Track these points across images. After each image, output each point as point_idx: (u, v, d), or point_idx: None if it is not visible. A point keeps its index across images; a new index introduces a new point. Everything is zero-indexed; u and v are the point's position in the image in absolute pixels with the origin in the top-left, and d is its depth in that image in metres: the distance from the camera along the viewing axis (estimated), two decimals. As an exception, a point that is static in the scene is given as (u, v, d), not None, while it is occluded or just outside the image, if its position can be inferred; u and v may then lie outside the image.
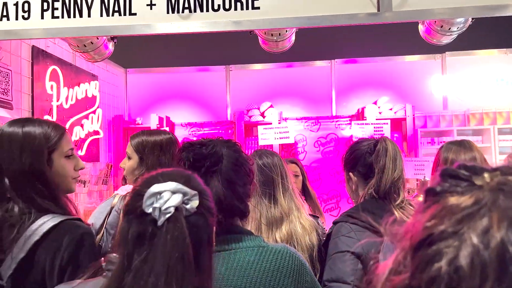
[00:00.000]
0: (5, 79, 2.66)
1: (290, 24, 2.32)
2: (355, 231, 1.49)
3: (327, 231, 1.69)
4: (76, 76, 3.54)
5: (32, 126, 1.28)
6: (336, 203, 4.52)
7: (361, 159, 1.64)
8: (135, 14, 2.40)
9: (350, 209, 1.62)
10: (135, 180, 1.72)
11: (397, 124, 4.38)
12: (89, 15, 2.42)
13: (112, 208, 1.68)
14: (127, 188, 1.80)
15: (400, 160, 1.61)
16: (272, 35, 2.42)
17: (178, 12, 2.38)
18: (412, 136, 4.21)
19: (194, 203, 0.84)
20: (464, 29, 2.36)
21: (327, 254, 1.54)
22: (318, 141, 4.54)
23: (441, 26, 2.35)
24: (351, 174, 1.68)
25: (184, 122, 4.67)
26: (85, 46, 2.56)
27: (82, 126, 3.62)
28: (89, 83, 3.74)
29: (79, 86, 3.57)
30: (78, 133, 3.53)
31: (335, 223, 1.61)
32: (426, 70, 4.56)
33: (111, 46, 2.77)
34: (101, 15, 2.42)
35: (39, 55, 3.07)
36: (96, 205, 3.68)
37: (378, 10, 2.28)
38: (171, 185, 0.86)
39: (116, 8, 2.41)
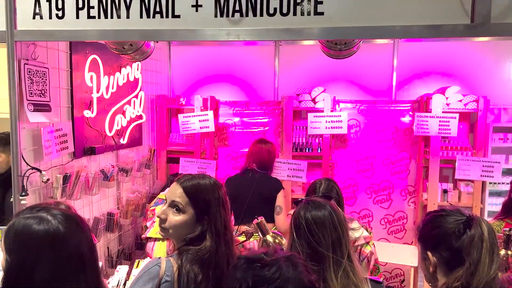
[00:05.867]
0: (42, 79, 2.49)
1: (360, 35, 1.93)
2: None
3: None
4: (117, 60, 3.32)
5: None
6: (388, 195, 4.22)
7: (446, 240, 1.34)
8: (178, 16, 2.10)
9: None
10: (182, 241, 1.44)
11: (464, 115, 3.90)
12: (127, 16, 2.14)
13: (160, 280, 1.34)
14: (162, 246, 1.59)
15: (498, 250, 1.30)
16: (336, 43, 2.04)
17: (227, 15, 2.05)
18: (482, 130, 3.73)
19: None
20: None
21: None
22: (373, 127, 4.16)
23: (552, 40, 1.87)
24: (429, 253, 1.39)
25: (228, 100, 4.41)
26: (124, 48, 2.30)
27: (124, 113, 3.45)
28: (131, 66, 3.51)
29: (120, 71, 3.35)
30: (119, 122, 3.38)
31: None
32: (504, 52, 3.94)
33: (153, 43, 2.50)
34: (141, 17, 2.13)
35: (77, 44, 2.85)
36: (139, 193, 3.61)
37: (472, 21, 1.84)
38: None
39: (158, 9, 2.11)
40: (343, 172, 4.25)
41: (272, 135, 4.35)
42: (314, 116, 3.86)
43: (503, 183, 3.69)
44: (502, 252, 1.88)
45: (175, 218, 1.44)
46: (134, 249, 3.77)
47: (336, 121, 3.83)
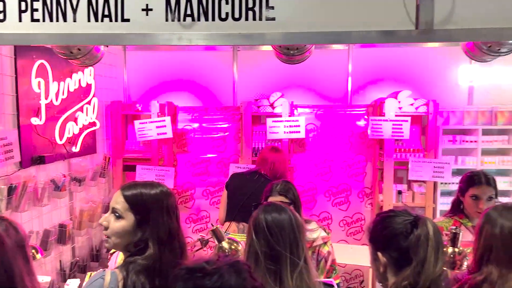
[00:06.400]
0: (-17, 85, 2.35)
1: (313, 40, 1.96)
2: None
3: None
4: (68, 65, 3.18)
5: None
6: (346, 197, 4.30)
7: (394, 241, 1.37)
8: (128, 20, 2.04)
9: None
10: (127, 247, 1.44)
11: (416, 118, 4.05)
12: (74, 20, 2.06)
13: None
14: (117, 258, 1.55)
15: (443, 249, 1.34)
16: (288, 48, 2.06)
17: (179, 20, 2.02)
18: (433, 133, 3.89)
19: None
20: (516, 50, 1.99)
21: None
22: (330, 131, 4.24)
23: (489, 46, 1.98)
24: (379, 254, 1.41)
25: (187, 106, 4.35)
26: (71, 53, 2.22)
27: (75, 120, 3.33)
28: (83, 71, 3.40)
29: (71, 77, 3.23)
30: (71, 130, 3.25)
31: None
32: (451, 58, 4.13)
33: (103, 48, 2.42)
34: (89, 20, 2.06)
35: (23, 48, 2.72)
36: (94, 203, 3.48)
37: (417, 27, 1.91)
38: None
39: (106, 13, 2.05)
40: (302, 175, 4.29)
41: (232, 140, 4.33)
42: (272, 121, 3.88)
43: (453, 183, 3.84)
44: (450, 250, 1.95)
45: (115, 224, 1.43)
46: (89, 261, 3.62)
47: (294, 126, 3.87)
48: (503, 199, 3.71)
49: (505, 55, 2.02)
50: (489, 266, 1.49)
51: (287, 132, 3.88)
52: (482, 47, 2.02)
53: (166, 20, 2.02)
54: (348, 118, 4.22)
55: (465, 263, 1.92)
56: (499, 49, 1.97)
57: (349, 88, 4.30)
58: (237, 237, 2.18)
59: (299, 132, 3.87)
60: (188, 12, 2.01)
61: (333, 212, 4.33)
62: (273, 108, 4.02)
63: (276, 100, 4.02)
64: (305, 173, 4.30)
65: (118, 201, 1.44)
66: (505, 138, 3.90)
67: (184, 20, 2.01)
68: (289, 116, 3.94)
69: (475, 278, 1.52)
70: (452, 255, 1.94)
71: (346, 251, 3.84)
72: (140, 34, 2.04)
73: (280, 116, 3.92)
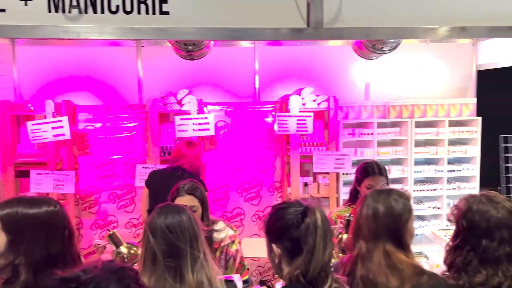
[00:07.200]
0: None
1: (208, 36, 1.94)
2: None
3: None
4: None
5: None
6: (257, 192, 4.38)
7: (286, 231, 1.41)
8: (3, 10, 1.85)
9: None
10: (2, 272, 1.29)
11: (319, 114, 4.25)
12: None
13: None
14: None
15: (331, 236, 1.40)
16: (185, 44, 2.02)
17: (63, 11, 1.88)
18: (334, 127, 4.12)
19: None
20: (396, 49, 2.17)
21: None
22: (240, 128, 4.27)
23: (373, 44, 2.14)
24: (274, 245, 1.44)
25: (87, 105, 4.08)
26: None
27: (-48, 122, 2.94)
28: (-41, 67, 3.01)
29: None
30: None
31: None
32: (349, 57, 4.39)
33: (-24, 40, 2.16)
34: (-45, 9, 1.82)
35: None
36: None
37: (308, 25, 1.99)
38: None
39: (-24, 1, 1.83)
40: (214, 173, 4.27)
41: (139, 140, 4.16)
42: (180, 119, 3.80)
43: (353, 174, 4.08)
44: (344, 236, 2.07)
45: None
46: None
47: (203, 123, 3.83)
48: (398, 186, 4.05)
49: (388, 52, 2.20)
50: (360, 242, 1.62)
51: (196, 130, 3.82)
52: (368, 45, 2.17)
53: (49, 11, 1.87)
54: (257, 115, 4.29)
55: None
56: (382, 47, 2.13)
57: (257, 86, 4.37)
58: None
59: (208, 129, 3.84)
60: (74, 3, 1.87)
61: (246, 208, 4.38)
62: (181, 105, 3.94)
63: (183, 97, 3.94)
64: (217, 170, 4.29)
65: None
66: (397, 130, 4.27)
67: (70, 12, 1.88)
68: (198, 113, 3.89)
69: (351, 255, 1.64)
70: (346, 241, 2.06)
71: (259, 245, 3.88)
72: (19, 26, 1.85)
73: (189, 113, 3.85)
